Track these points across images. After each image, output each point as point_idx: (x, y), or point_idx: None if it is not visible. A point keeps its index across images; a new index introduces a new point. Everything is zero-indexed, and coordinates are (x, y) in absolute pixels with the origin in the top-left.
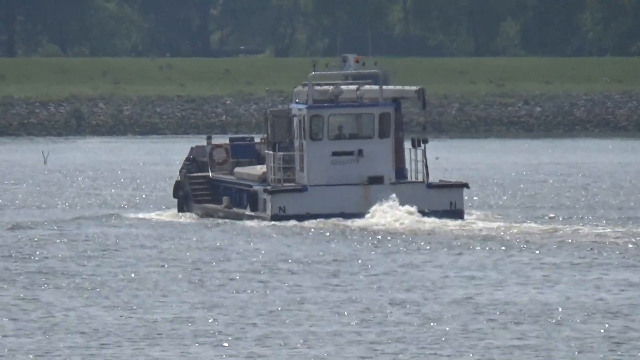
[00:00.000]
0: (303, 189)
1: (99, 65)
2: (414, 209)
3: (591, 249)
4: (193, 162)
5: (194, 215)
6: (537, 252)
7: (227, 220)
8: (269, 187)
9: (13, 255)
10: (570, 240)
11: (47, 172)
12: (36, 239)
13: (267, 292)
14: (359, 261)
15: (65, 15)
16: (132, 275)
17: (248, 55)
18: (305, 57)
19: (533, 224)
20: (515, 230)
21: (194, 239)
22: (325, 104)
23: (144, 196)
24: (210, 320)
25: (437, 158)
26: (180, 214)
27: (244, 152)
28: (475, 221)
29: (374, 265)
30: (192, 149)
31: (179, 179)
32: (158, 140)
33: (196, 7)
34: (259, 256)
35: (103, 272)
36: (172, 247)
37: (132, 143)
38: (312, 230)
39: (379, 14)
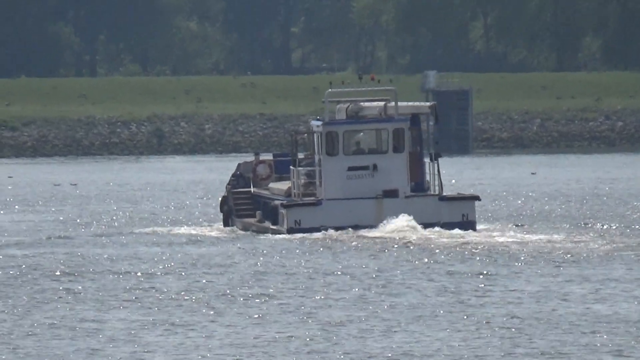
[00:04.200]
0: (318, 203)
1: (181, 84)
2: (412, 222)
3: None
4: (239, 178)
5: (234, 229)
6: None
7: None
8: (285, 202)
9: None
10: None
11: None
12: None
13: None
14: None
15: (147, 35)
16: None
17: (330, 73)
18: (387, 74)
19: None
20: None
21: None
22: (341, 121)
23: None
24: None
25: (533, 173)
26: (225, 227)
27: (287, 168)
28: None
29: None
30: (239, 164)
31: (225, 193)
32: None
33: (278, 26)
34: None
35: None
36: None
37: (217, 161)
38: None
39: (461, 31)
